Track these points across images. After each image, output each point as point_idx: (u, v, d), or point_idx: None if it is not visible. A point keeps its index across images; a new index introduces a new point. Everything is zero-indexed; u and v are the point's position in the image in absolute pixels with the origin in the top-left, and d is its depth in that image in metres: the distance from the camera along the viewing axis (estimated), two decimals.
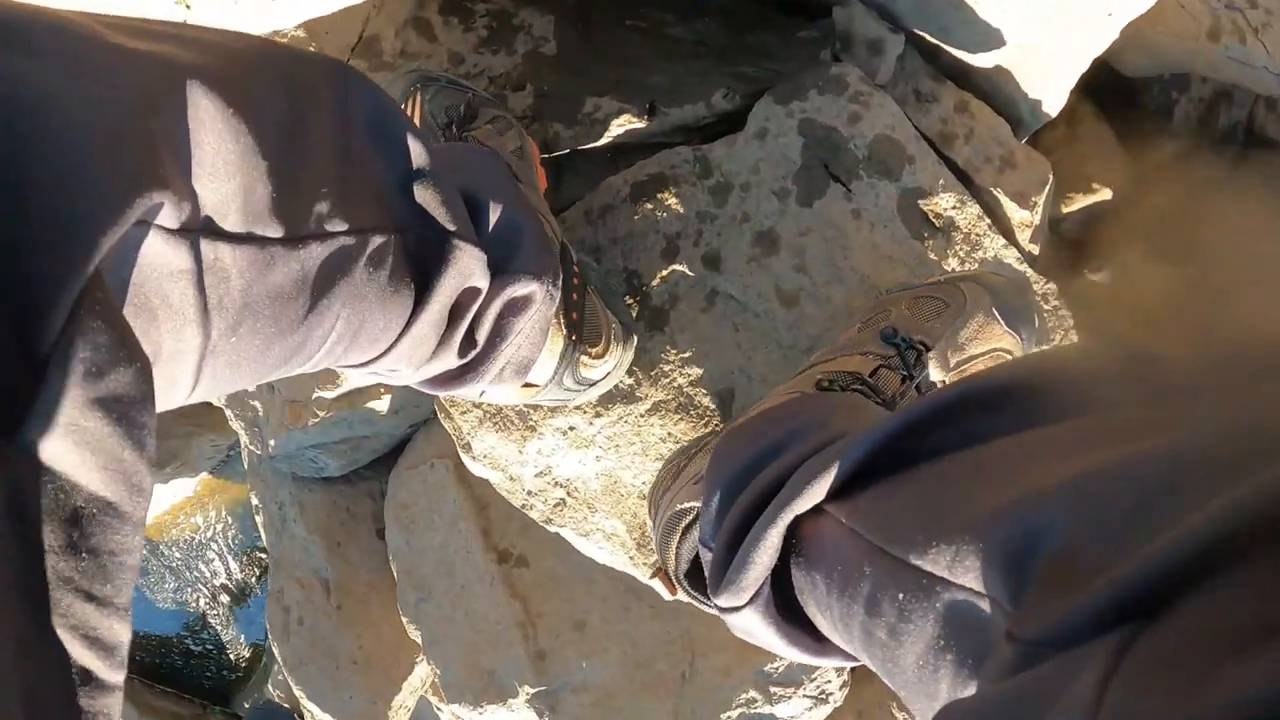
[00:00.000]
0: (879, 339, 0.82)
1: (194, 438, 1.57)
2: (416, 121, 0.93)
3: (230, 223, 0.49)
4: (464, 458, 1.01)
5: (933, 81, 1.06)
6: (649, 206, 0.97)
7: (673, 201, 0.97)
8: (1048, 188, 1.04)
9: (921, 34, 1.02)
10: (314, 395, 1.16)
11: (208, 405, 1.37)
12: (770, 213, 0.95)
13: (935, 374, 0.82)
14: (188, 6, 0.98)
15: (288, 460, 1.26)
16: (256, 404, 1.28)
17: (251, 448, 1.31)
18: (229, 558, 1.58)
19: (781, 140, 0.97)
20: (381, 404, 1.15)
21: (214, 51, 0.52)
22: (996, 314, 0.84)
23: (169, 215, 0.44)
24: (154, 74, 0.45)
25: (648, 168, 0.99)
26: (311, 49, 1.07)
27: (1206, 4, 1.15)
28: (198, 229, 0.47)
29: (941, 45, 1.02)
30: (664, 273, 0.96)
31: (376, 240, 0.59)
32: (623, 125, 1.00)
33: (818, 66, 1.00)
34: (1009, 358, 0.87)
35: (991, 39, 0.97)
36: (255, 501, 1.33)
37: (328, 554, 1.26)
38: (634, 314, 0.96)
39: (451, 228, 0.65)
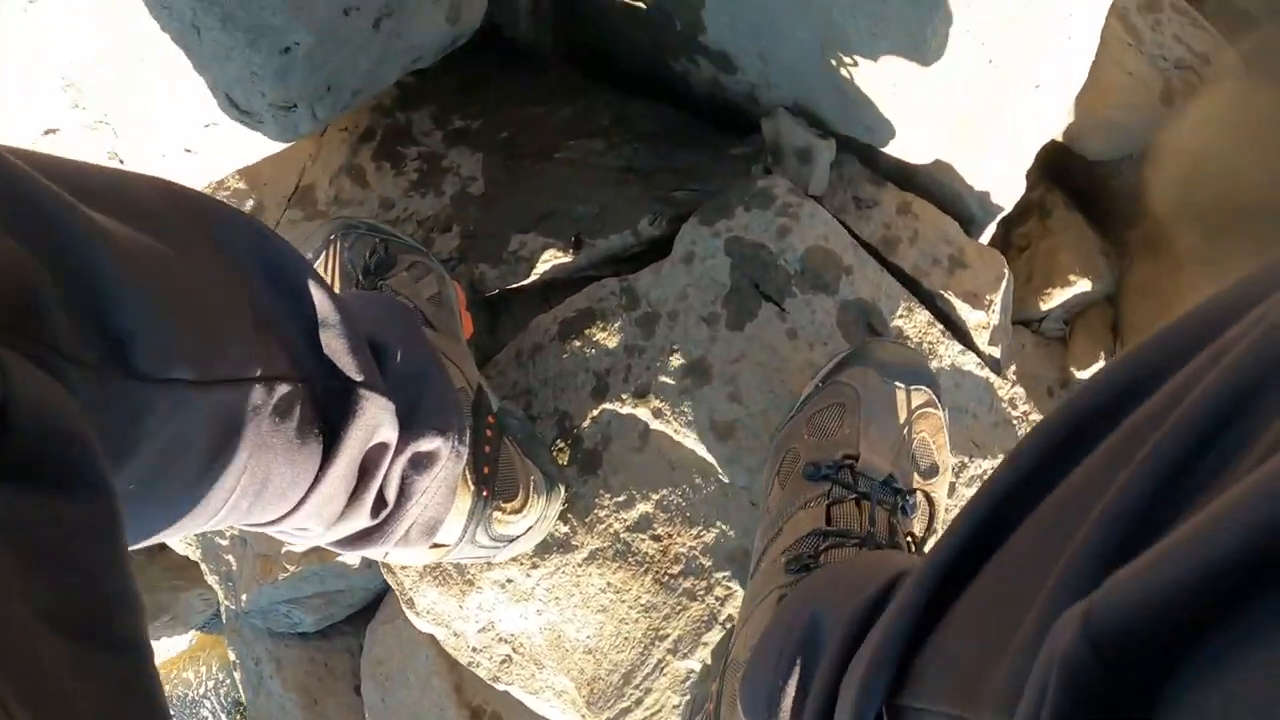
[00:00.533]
0: (806, 482, 0.77)
1: (182, 592, 1.56)
2: (335, 270, 0.92)
3: (139, 361, 0.47)
4: (409, 614, 0.98)
5: (873, 186, 1.02)
6: (577, 344, 0.95)
7: (601, 336, 0.95)
8: (1004, 284, 0.99)
9: (851, 136, 0.99)
10: (283, 549, 1.14)
11: (190, 559, 1.38)
12: (700, 340, 0.92)
13: (883, 468, 0.77)
14: (121, 161, 1.01)
15: (262, 615, 1.24)
16: (230, 558, 1.27)
17: (227, 603, 1.30)
18: (222, 715, 1.55)
19: (709, 263, 0.94)
20: (353, 557, 1.13)
21: (130, 189, 0.52)
22: (892, 382, 0.81)
23: (74, 345, 0.43)
24: (64, 201, 0.45)
25: (576, 303, 0.97)
26: (220, 199, 1.09)
27: (1155, 68, 1.11)
28: (104, 365, 0.45)
29: (874, 146, 0.99)
30: (595, 413, 0.92)
31: (283, 389, 0.58)
32: (549, 261, 0.99)
33: (744, 182, 0.98)
34: (934, 411, 0.83)
35: (921, 132, 0.94)
36: (233, 657, 1.31)
37: (304, 712, 1.23)
38: (566, 458, 0.92)
39: (358, 378, 0.64)
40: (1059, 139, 1.22)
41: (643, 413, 0.91)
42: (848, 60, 0.90)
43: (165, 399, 0.49)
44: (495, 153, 1.07)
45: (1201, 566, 0.25)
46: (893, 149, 0.98)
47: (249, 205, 1.15)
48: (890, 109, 0.93)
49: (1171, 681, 0.26)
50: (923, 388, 0.82)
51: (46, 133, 0.97)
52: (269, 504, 0.62)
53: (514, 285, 0.99)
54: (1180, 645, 0.26)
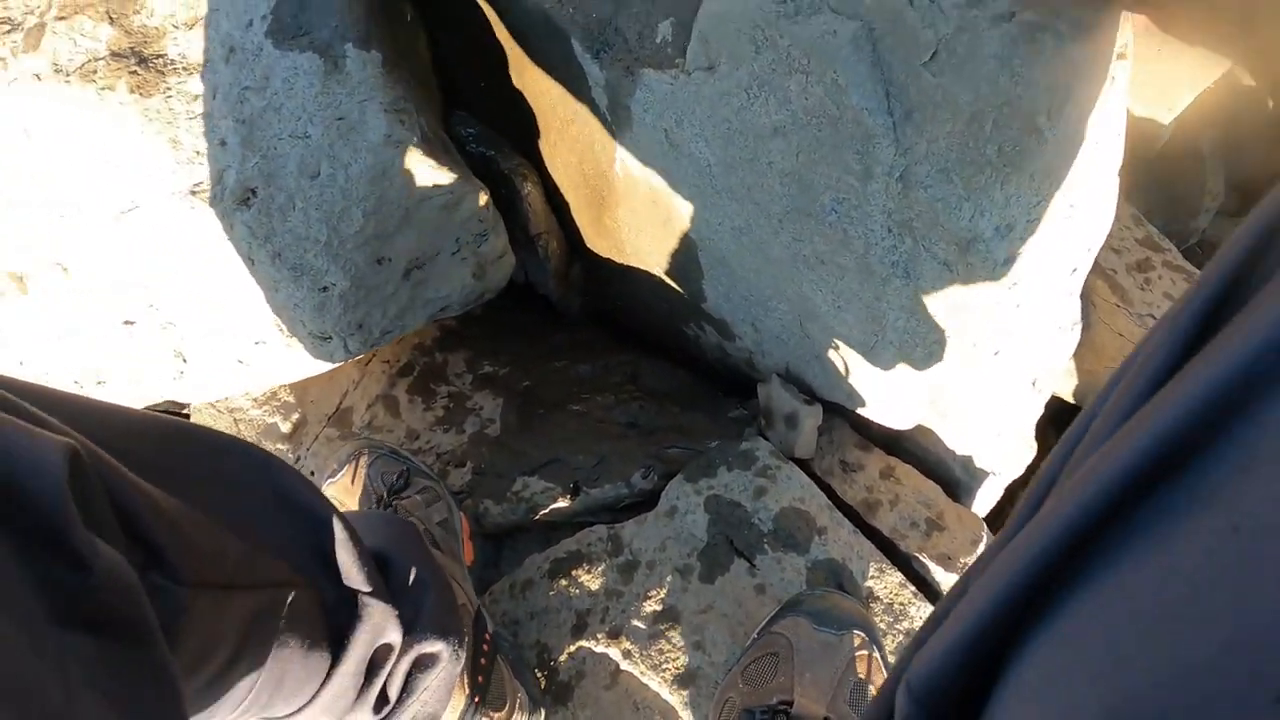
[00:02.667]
0: None
1: None
2: (356, 484, 1.11)
3: (173, 567, 0.61)
4: None
5: (859, 450, 1.18)
6: (564, 583, 1.10)
7: (586, 578, 1.10)
8: (980, 547, 1.11)
9: (834, 401, 1.16)
10: None
11: None
12: (674, 590, 1.06)
13: (818, 713, 0.88)
14: (185, 360, 1.24)
15: None
16: None
17: None
18: None
19: (689, 518, 1.10)
20: None
21: (151, 428, 0.69)
22: (824, 630, 0.90)
23: (126, 550, 0.56)
24: (118, 471, 0.60)
25: (567, 545, 1.12)
26: (238, 434, 1.30)
27: (1144, 327, 1.23)
28: (148, 568, 0.59)
29: (859, 413, 1.15)
30: (572, 648, 1.07)
31: (296, 595, 0.72)
32: (548, 505, 1.16)
33: (730, 444, 1.15)
34: (869, 654, 0.91)
35: (895, 399, 1.09)
36: None
37: None
38: (541, 687, 1.07)
39: (366, 588, 0.78)
40: (1070, 400, 1.35)
41: (615, 652, 1.05)
42: (821, 331, 1.08)
43: (198, 601, 0.63)
44: (514, 399, 1.27)
45: (964, 637, 0.39)
46: (872, 415, 1.13)
47: (294, 417, 1.37)
48: (863, 377, 1.09)
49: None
50: (857, 632, 0.92)
51: (125, 323, 1.20)
52: (285, 699, 0.75)
53: (513, 522, 1.17)
54: (975, 686, 0.39)
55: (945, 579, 1.09)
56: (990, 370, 1.07)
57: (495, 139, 1.35)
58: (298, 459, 1.34)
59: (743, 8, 0.88)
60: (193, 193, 1.10)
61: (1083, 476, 0.36)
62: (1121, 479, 0.33)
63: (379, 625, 0.80)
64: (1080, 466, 0.39)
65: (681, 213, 1.10)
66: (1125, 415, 0.38)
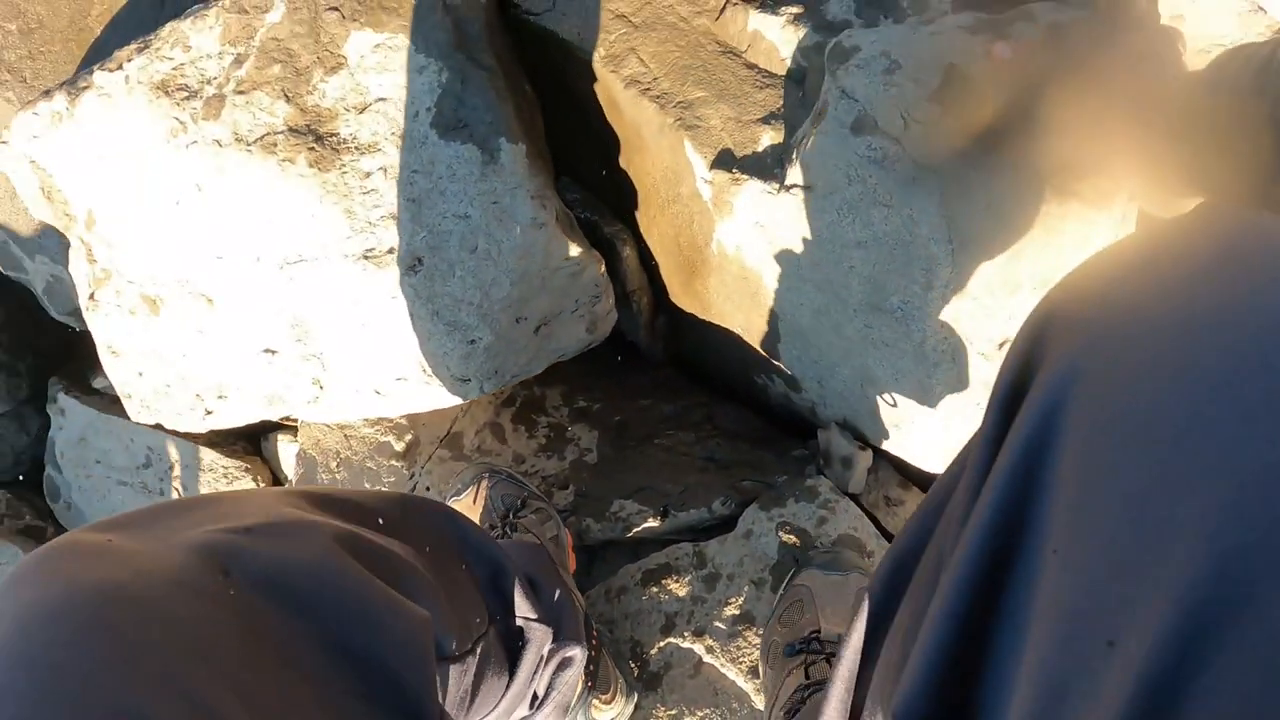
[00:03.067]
0: (786, 659, 1.15)
1: None
2: (478, 504, 1.36)
3: (447, 647, 0.80)
4: None
5: (900, 489, 1.45)
6: (654, 590, 1.38)
7: (674, 586, 1.38)
8: None
9: (883, 448, 1.43)
10: None
11: None
12: (750, 598, 1.34)
13: (841, 629, 1.14)
14: (321, 387, 1.50)
15: None
16: None
17: None
18: None
19: (763, 540, 1.38)
20: None
21: (388, 501, 0.88)
22: (833, 573, 1.19)
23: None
24: (420, 574, 0.78)
25: (657, 559, 1.40)
26: (349, 449, 1.55)
27: None
28: (443, 657, 0.79)
29: (902, 458, 1.43)
30: (661, 644, 1.34)
31: (492, 633, 0.93)
32: (641, 524, 1.43)
33: (796, 479, 1.43)
34: (865, 580, 1.15)
35: (933, 449, 1.37)
36: None
37: None
38: (636, 675, 1.34)
39: (533, 616, 1.02)
40: None
41: (699, 648, 1.33)
42: (878, 394, 1.35)
43: (457, 669, 0.83)
44: (608, 432, 1.55)
45: (924, 670, 0.53)
46: (912, 460, 1.41)
47: (407, 438, 1.63)
48: (910, 432, 1.36)
49: None
50: (857, 574, 1.20)
51: (265, 350, 1.45)
52: (478, 711, 0.97)
53: (611, 538, 1.44)
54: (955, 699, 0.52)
55: None
56: None
57: (597, 205, 1.61)
58: (412, 475, 1.60)
59: (840, 149, 1.15)
60: (365, 257, 1.35)
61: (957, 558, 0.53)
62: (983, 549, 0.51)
63: (540, 642, 1.03)
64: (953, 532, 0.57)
65: (769, 290, 1.37)
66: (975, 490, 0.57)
